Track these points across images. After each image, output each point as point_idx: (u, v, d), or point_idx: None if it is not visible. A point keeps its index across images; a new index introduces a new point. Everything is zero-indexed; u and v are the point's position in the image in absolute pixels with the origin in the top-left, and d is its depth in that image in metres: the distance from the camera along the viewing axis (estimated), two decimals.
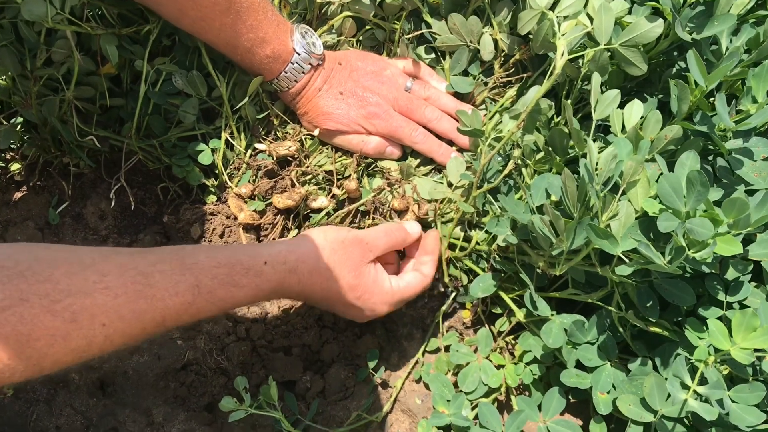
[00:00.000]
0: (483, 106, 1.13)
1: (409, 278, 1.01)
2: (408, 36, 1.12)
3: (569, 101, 0.95)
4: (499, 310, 1.07)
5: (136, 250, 0.79)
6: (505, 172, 0.99)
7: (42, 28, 0.96)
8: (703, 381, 0.80)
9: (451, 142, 1.11)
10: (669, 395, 0.80)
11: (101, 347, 0.71)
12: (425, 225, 1.09)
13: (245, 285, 0.84)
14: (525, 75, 1.10)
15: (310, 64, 1.04)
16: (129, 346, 0.76)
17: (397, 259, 1.07)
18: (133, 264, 0.75)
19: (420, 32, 1.12)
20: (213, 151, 1.10)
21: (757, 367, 0.80)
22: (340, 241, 0.93)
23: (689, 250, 0.73)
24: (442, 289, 1.10)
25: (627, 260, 0.79)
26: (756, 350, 0.76)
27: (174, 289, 0.77)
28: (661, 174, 0.77)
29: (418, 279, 1.01)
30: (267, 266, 0.86)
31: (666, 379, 0.85)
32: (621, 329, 0.91)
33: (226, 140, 1.10)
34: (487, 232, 1.03)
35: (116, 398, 1.04)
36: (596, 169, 0.78)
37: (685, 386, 0.79)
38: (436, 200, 1.08)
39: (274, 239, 1.08)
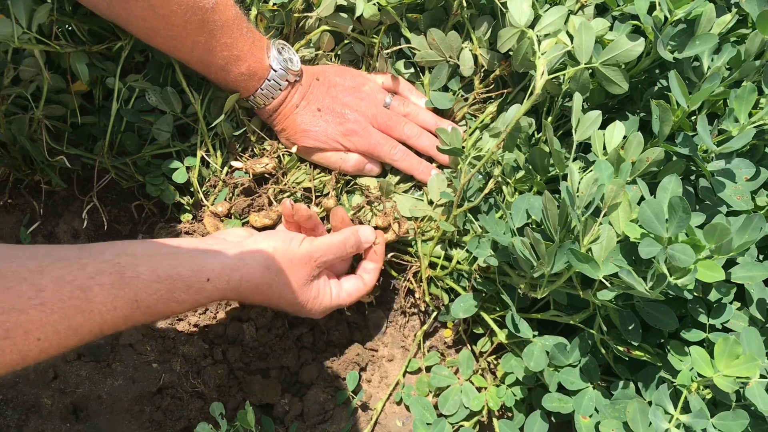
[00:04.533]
0: (463, 122, 1.12)
1: (349, 288, 0.99)
2: (387, 51, 1.10)
3: (549, 120, 0.94)
4: (480, 330, 1.06)
5: (75, 255, 0.77)
6: (486, 191, 0.98)
7: (8, 47, 0.93)
8: (686, 407, 0.78)
9: (431, 159, 1.09)
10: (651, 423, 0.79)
11: (37, 359, 0.71)
12: (405, 243, 1.08)
13: (185, 300, 0.83)
14: (505, 91, 1.08)
15: (287, 80, 1.02)
16: (65, 353, 0.75)
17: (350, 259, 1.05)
18: (71, 276, 0.74)
19: (399, 47, 1.10)
20: (188, 168, 1.07)
21: (741, 392, 0.79)
22: (287, 260, 0.91)
23: (671, 276, 0.72)
24: (423, 309, 1.08)
25: (609, 284, 0.78)
26: (738, 377, 0.75)
27: (112, 304, 0.76)
28: (643, 199, 0.76)
29: (359, 289, 1.00)
30: (209, 284, 0.84)
31: (649, 402, 0.84)
32: (603, 351, 0.90)
33: (202, 158, 1.07)
34: (468, 251, 1.01)
35: (90, 423, 1.01)
36: (577, 193, 0.76)
37: (667, 413, 0.78)
38: (417, 218, 1.06)
39: None
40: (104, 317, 0.75)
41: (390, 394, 1.05)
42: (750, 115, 0.84)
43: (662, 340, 0.90)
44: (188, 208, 1.10)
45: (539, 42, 0.88)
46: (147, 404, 1.02)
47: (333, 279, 0.99)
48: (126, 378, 1.02)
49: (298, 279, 0.92)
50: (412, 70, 1.13)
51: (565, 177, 0.84)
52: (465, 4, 1.05)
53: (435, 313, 1.08)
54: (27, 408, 1.01)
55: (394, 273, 1.09)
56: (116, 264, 0.78)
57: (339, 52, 1.14)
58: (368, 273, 1.01)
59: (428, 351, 1.08)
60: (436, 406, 1.01)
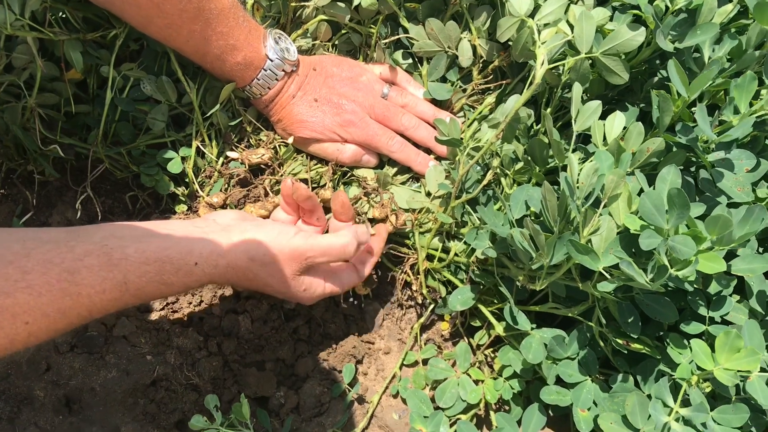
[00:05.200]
0: (461, 113, 1.11)
1: (345, 278, 0.97)
2: (385, 41, 1.09)
3: (549, 111, 0.93)
4: (478, 323, 1.05)
5: (63, 237, 0.76)
6: (484, 182, 0.97)
7: (1, 34, 0.92)
8: (685, 401, 0.78)
9: (429, 150, 1.08)
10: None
11: (25, 343, 0.71)
12: (402, 235, 1.07)
13: (173, 283, 0.82)
14: (504, 82, 1.07)
15: (283, 70, 1.01)
16: (54, 337, 0.74)
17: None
18: (58, 258, 0.73)
19: (397, 37, 1.09)
20: (183, 159, 1.06)
21: (741, 385, 0.79)
22: (273, 254, 0.88)
23: (672, 267, 0.71)
24: (420, 301, 1.08)
25: (608, 276, 0.77)
26: (739, 371, 0.74)
27: (101, 287, 0.75)
28: (643, 190, 0.75)
29: (352, 279, 0.98)
30: (197, 267, 0.84)
31: (648, 396, 0.83)
32: (602, 344, 0.89)
33: (197, 148, 1.06)
34: (466, 243, 1.00)
35: (83, 416, 1.01)
36: (577, 183, 0.76)
37: (667, 406, 0.78)
38: (414, 210, 1.05)
39: None
40: (93, 300, 0.75)
41: (386, 387, 1.04)
42: (750, 105, 0.83)
43: (661, 333, 0.89)
44: (183, 199, 1.09)
45: (539, 31, 0.87)
46: (141, 397, 1.01)
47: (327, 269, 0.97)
48: (120, 370, 1.01)
49: (285, 273, 0.90)
50: (410, 60, 1.12)
51: (564, 168, 0.83)
52: None
53: (432, 306, 1.07)
54: (19, 400, 1.00)
55: (391, 265, 1.08)
56: (104, 246, 0.77)
57: (336, 42, 1.13)
58: (364, 264, 1.00)
59: (425, 344, 1.08)
60: (432, 399, 1.00)
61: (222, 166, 1.08)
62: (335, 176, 1.08)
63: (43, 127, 1.02)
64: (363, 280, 1.00)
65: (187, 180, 1.08)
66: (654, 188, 0.76)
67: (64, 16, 0.98)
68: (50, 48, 1.00)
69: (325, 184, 1.06)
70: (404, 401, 1.03)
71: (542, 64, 0.84)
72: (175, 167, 1.05)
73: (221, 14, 0.92)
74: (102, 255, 0.76)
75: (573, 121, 0.86)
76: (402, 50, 1.12)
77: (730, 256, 0.82)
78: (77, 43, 0.97)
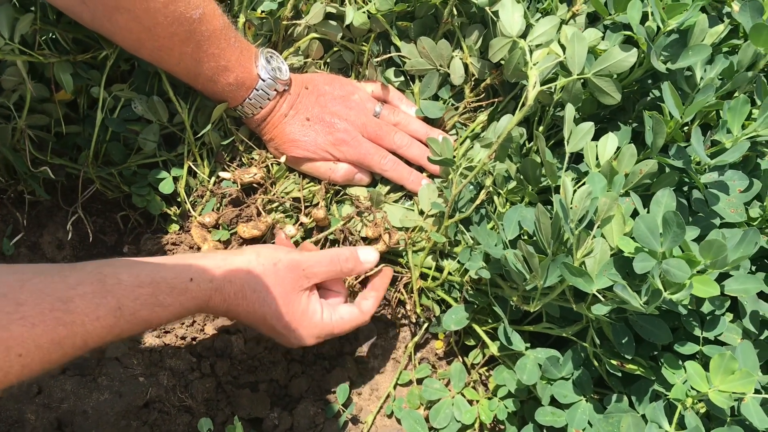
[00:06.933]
0: (453, 131, 1.11)
1: (344, 312, 0.95)
2: (376, 59, 1.09)
3: (541, 130, 0.93)
4: (472, 342, 1.05)
5: (57, 269, 0.76)
6: (477, 201, 0.97)
7: None
8: (680, 422, 0.78)
9: (421, 168, 1.08)
10: None
11: (19, 376, 0.70)
12: (396, 254, 1.06)
13: (170, 304, 0.81)
14: (496, 100, 1.07)
15: (275, 90, 1.01)
16: (49, 370, 0.73)
17: (346, 288, 1.00)
18: (51, 289, 0.72)
19: (389, 55, 1.09)
20: (175, 179, 1.06)
21: (735, 407, 0.79)
22: (272, 264, 0.88)
23: (666, 291, 0.71)
24: (414, 320, 1.07)
25: (602, 298, 0.77)
26: (734, 393, 0.74)
27: (95, 314, 0.74)
28: (637, 213, 0.75)
29: (354, 315, 0.95)
30: (192, 283, 0.83)
31: (642, 416, 0.83)
32: (596, 364, 0.89)
33: (189, 167, 1.06)
34: (459, 262, 1.00)
35: None
36: (571, 206, 0.76)
37: (662, 428, 0.78)
38: (407, 228, 1.05)
39: None
40: (87, 328, 0.74)
41: (381, 407, 1.04)
42: (743, 126, 0.83)
43: (655, 353, 0.89)
44: (175, 219, 1.09)
45: (531, 52, 0.87)
46: (133, 419, 1.00)
47: (326, 301, 0.96)
48: (112, 392, 1.00)
49: (284, 285, 0.89)
50: (402, 78, 1.12)
51: (557, 189, 0.83)
52: (455, 12, 1.04)
53: (426, 325, 1.06)
54: (10, 423, 0.99)
55: None
56: (98, 273, 0.77)
57: (328, 60, 1.12)
58: (367, 300, 0.98)
59: (419, 363, 1.07)
60: (427, 419, 1.00)
61: (214, 185, 1.07)
62: (328, 195, 1.07)
63: (33, 147, 1.02)
64: (367, 318, 0.97)
65: (179, 200, 1.07)
66: (648, 211, 0.76)
67: (54, 37, 0.97)
68: (40, 69, 0.99)
69: (317, 203, 1.06)
70: (399, 421, 1.03)
71: (534, 85, 0.84)
72: (166, 187, 1.05)
73: (213, 36, 0.92)
74: (95, 282, 0.75)
75: (566, 142, 0.86)
76: (394, 68, 1.12)
77: (723, 276, 0.82)
78: (67, 64, 0.96)
